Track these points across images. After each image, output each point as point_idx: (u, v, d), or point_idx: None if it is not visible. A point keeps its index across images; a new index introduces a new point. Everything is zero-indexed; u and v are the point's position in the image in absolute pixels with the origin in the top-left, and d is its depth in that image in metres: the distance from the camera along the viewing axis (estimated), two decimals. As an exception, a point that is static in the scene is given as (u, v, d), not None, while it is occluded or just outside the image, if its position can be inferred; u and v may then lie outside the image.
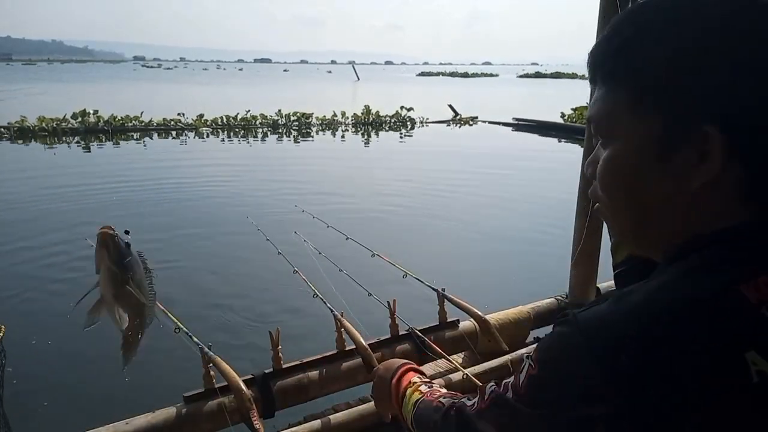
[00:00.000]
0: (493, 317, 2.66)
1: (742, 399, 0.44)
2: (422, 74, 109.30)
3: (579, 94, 20.70)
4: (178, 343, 2.07)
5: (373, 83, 57.93)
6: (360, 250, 2.91)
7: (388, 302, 2.45)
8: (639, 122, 0.54)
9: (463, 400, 0.69)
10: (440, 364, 2.65)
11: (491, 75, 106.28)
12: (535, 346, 0.58)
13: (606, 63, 0.57)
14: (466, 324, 2.65)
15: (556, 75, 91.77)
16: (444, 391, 0.82)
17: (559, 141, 15.12)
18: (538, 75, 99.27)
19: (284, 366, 2.18)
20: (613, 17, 0.58)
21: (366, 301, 2.53)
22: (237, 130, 16.64)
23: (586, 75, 0.62)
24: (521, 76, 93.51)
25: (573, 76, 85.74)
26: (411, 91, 41.57)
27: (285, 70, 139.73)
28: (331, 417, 2.11)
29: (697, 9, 0.51)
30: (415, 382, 0.88)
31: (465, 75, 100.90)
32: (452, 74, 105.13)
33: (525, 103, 28.30)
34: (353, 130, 17.43)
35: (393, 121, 19.00)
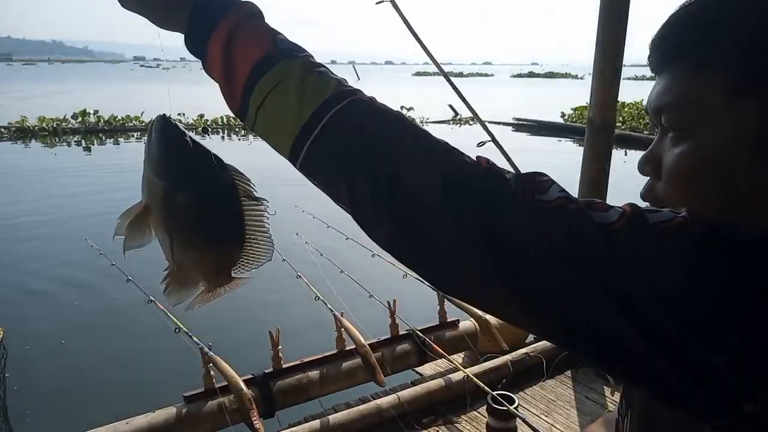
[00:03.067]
0: (493, 317, 2.66)
1: None
2: (418, 74, 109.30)
3: (574, 93, 20.70)
4: (178, 343, 2.07)
5: (373, 83, 57.90)
6: (360, 249, 2.91)
7: (388, 302, 2.45)
8: (733, 112, 0.48)
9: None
10: (440, 364, 2.66)
11: (486, 75, 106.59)
12: None
13: (689, 48, 0.51)
14: (466, 324, 2.65)
15: (549, 75, 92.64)
16: None
17: (559, 140, 15.12)
18: (531, 75, 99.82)
19: (284, 366, 2.19)
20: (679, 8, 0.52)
21: (366, 301, 2.53)
22: (237, 129, 16.66)
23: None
24: (514, 76, 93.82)
25: (566, 75, 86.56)
26: (410, 91, 41.53)
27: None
28: (330, 417, 2.10)
29: None
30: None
31: (460, 75, 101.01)
32: (448, 74, 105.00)
33: (523, 103, 28.29)
34: (353, 129, 17.44)
35: (393, 120, 19.01)
